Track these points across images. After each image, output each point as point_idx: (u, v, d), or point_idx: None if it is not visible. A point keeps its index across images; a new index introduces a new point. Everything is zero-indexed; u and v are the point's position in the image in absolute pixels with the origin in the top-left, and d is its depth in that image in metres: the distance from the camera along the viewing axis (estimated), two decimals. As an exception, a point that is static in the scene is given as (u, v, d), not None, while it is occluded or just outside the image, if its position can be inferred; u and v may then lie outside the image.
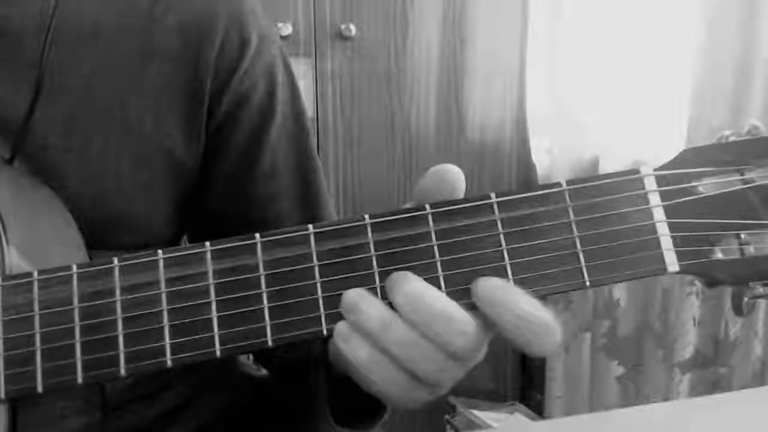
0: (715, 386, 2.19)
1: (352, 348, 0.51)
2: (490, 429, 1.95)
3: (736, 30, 1.98)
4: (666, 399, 2.14)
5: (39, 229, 0.60)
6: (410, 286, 0.50)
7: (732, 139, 0.54)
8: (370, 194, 2.08)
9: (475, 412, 2.03)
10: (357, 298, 0.51)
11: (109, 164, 0.71)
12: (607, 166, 2.05)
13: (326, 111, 2.01)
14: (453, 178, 0.53)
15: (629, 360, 2.19)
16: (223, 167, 0.77)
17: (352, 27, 1.97)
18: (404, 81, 2.06)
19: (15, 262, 0.54)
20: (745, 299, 0.53)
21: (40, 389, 0.50)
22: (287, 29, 1.91)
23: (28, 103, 0.67)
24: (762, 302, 0.54)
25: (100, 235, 0.67)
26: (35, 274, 0.51)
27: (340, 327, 0.51)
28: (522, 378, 2.26)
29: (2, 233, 0.55)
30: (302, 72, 1.94)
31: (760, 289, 0.53)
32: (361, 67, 2.02)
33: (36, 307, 0.51)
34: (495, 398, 2.15)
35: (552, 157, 2.09)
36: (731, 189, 0.52)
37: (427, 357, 0.50)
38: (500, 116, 2.15)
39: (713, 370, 2.18)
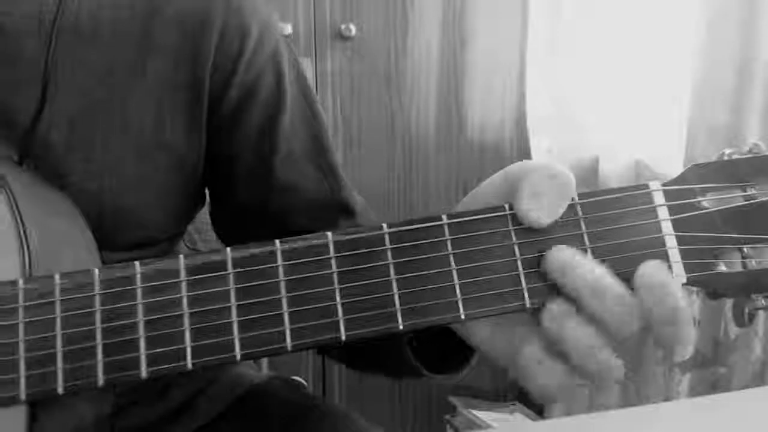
0: (715, 386, 2.19)
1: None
2: (490, 429, 1.95)
3: (736, 30, 1.97)
4: (666, 399, 2.15)
5: (54, 231, 0.60)
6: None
7: (734, 156, 0.55)
8: (370, 194, 2.06)
9: (475, 412, 2.03)
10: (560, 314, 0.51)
11: (111, 162, 0.71)
12: (607, 166, 2.05)
13: (326, 111, 2.01)
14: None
15: (629, 360, 2.19)
16: (240, 162, 0.78)
17: (352, 27, 1.97)
18: (404, 81, 2.06)
19: (35, 264, 0.54)
20: (746, 310, 0.55)
21: (60, 390, 0.51)
22: (287, 29, 1.91)
23: (35, 103, 0.67)
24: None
25: (104, 232, 0.67)
26: (57, 277, 0.51)
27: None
28: (522, 378, 2.26)
29: (23, 236, 0.55)
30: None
31: (762, 301, 0.54)
32: (361, 67, 2.02)
33: (58, 309, 0.51)
34: (495, 398, 2.15)
35: (552, 157, 2.09)
36: (734, 205, 0.54)
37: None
38: (500, 116, 2.15)
39: (713, 370, 2.18)
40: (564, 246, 0.51)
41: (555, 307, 0.51)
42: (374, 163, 2.08)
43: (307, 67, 1.95)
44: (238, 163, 0.78)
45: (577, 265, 0.51)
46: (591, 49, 2.01)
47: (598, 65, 2.02)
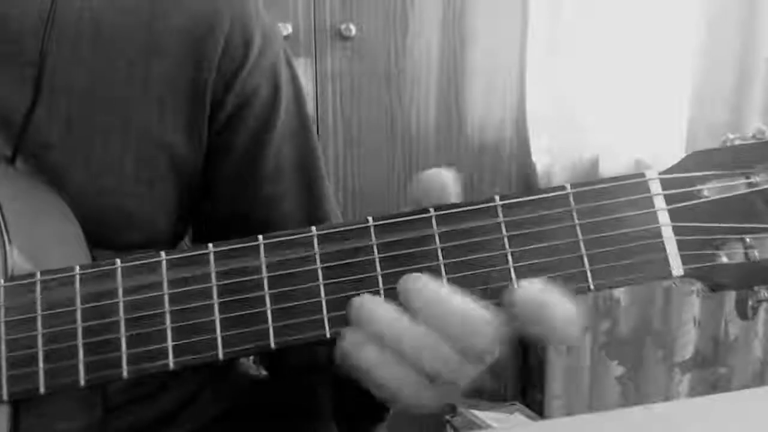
0: (715, 386, 2.19)
1: (358, 351, 0.50)
2: (490, 429, 1.95)
3: (736, 30, 1.98)
4: (666, 399, 2.14)
5: (41, 230, 0.60)
6: (424, 285, 0.50)
7: (737, 142, 0.53)
8: (370, 194, 2.08)
9: (475, 412, 2.03)
10: (361, 300, 0.50)
11: (111, 162, 0.71)
12: (607, 166, 2.05)
13: (326, 111, 2.01)
14: (442, 182, 0.53)
15: (629, 360, 2.19)
16: (226, 169, 0.77)
17: (352, 27, 1.97)
18: (404, 81, 2.06)
19: (18, 263, 0.54)
20: (750, 303, 0.53)
21: (42, 390, 0.50)
22: (287, 29, 1.91)
23: (29, 102, 0.67)
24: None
25: (103, 233, 0.67)
26: (38, 275, 0.51)
27: (346, 332, 0.50)
28: (522, 378, 2.26)
29: (5, 234, 0.55)
30: (302, 72, 1.94)
31: (765, 293, 0.53)
32: (361, 67, 2.02)
33: (39, 308, 0.51)
34: (495, 398, 2.15)
35: (552, 156, 2.09)
36: (736, 193, 0.52)
37: (439, 356, 0.49)
38: (500, 116, 2.15)
39: (713, 370, 2.18)
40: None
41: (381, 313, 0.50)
42: (374, 163, 2.08)
43: (307, 67, 1.95)
44: (224, 172, 0.77)
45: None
46: (591, 49, 2.01)
47: (598, 65, 2.02)
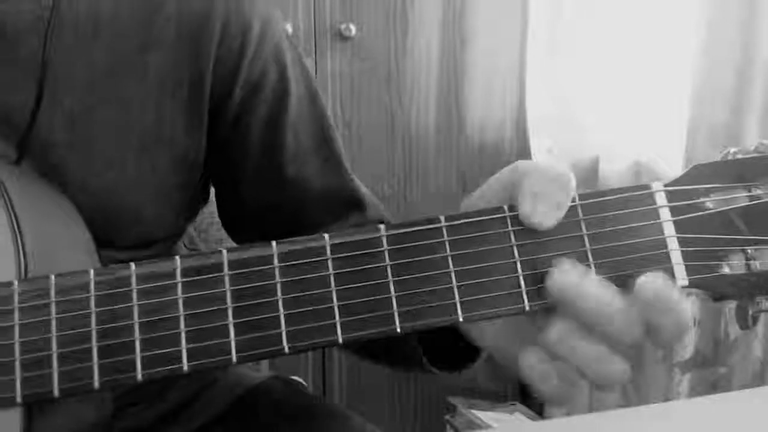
0: (715, 386, 2.19)
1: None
2: (490, 429, 1.95)
3: (736, 30, 1.97)
4: (666, 399, 2.14)
5: (50, 232, 0.60)
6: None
7: (739, 156, 0.55)
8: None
9: (475, 412, 2.03)
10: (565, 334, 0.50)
11: (112, 159, 0.71)
12: (607, 166, 2.05)
13: (326, 111, 2.01)
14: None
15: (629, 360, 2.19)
16: (248, 161, 0.78)
17: (352, 27, 1.97)
18: (404, 81, 2.06)
19: (31, 266, 0.54)
20: (750, 312, 0.54)
21: (56, 393, 0.50)
22: (287, 29, 1.91)
23: (33, 101, 0.67)
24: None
25: (107, 230, 0.67)
26: (52, 278, 0.51)
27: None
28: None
29: (19, 238, 0.55)
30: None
31: (765, 303, 0.54)
32: (361, 67, 2.02)
33: (53, 311, 0.51)
34: (495, 398, 2.15)
35: (552, 157, 2.08)
36: (738, 205, 0.53)
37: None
38: (500, 116, 2.15)
39: (713, 370, 2.18)
40: (566, 266, 0.50)
41: (558, 329, 0.50)
42: (374, 163, 2.08)
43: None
44: (247, 162, 0.78)
45: (580, 290, 0.50)
46: (591, 49, 2.01)
47: (598, 65, 2.02)
